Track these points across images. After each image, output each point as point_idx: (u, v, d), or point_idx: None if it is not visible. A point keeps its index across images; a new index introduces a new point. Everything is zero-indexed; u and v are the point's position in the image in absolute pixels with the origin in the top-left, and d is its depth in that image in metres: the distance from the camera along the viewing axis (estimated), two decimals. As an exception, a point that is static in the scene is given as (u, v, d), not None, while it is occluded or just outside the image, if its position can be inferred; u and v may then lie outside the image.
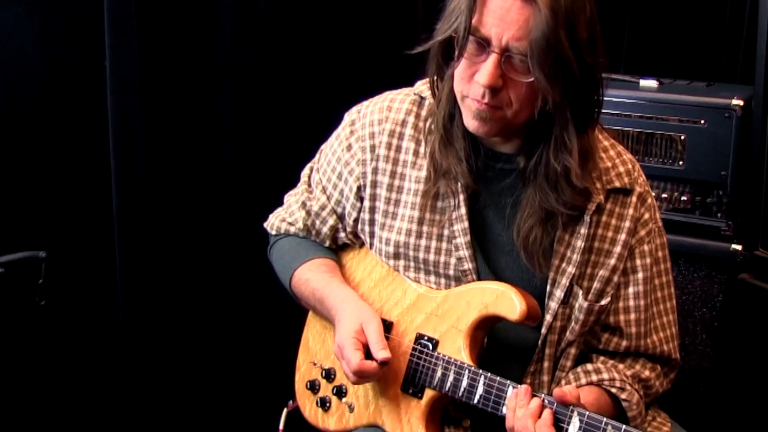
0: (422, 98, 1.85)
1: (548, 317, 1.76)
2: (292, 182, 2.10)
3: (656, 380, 1.84)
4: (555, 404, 1.60)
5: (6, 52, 2.43)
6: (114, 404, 2.70)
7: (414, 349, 1.80)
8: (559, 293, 1.75)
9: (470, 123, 1.68)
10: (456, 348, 1.75)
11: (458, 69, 1.65)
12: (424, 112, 1.83)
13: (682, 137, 2.52)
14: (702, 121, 2.49)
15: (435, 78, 1.75)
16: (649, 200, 1.82)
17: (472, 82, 1.64)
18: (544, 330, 1.76)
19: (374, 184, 1.85)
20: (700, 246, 2.53)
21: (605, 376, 1.77)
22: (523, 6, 1.55)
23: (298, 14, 2.79)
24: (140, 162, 2.53)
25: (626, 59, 3.21)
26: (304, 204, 1.99)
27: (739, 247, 2.48)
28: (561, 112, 1.62)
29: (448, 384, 1.73)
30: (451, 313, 1.77)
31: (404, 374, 1.80)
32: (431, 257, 1.81)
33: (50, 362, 2.60)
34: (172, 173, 2.65)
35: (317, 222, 1.97)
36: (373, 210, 1.87)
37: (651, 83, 2.66)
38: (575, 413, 1.58)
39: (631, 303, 1.80)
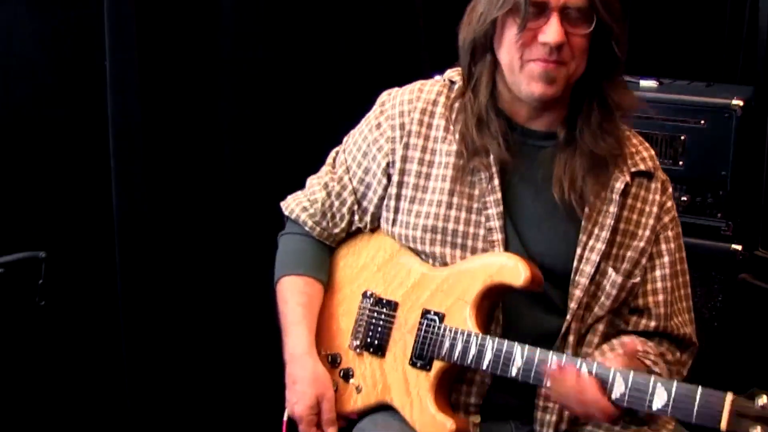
0: (452, 83, 1.90)
1: (578, 292, 1.79)
2: (293, 181, 2.10)
3: (675, 365, 1.89)
4: (594, 366, 1.62)
5: (6, 52, 2.43)
6: (114, 404, 2.70)
7: (420, 323, 1.82)
8: (588, 269, 1.79)
9: (535, 88, 1.73)
10: (462, 319, 1.77)
11: (518, 40, 1.72)
12: (452, 94, 1.89)
13: (682, 137, 2.52)
14: (702, 121, 2.49)
15: (470, 63, 1.82)
16: (669, 189, 1.91)
17: (533, 44, 1.72)
18: (573, 305, 1.79)
19: (404, 159, 1.88)
20: (700, 246, 2.52)
21: (639, 348, 1.80)
22: None
23: (299, 14, 2.79)
24: (140, 162, 2.53)
25: (626, 59, 3.20)
26: (326, 185, 2.00)
27: (739, 247, 2.48)
28: (622, 58, 1.79)
29: (457, 353, 1.75)
30: (456, 286, 1.80)
31: (411, 350, 1.83)
32: (461, 228, 1.83)
33: (50, 362, 2.60)
34: (172, 173, 2.65)
35: (336, 203, 1.99)
36: (401, 185, 1.89)
37: (651, 83, 2.66)
38: (617, 374, 1.60)
39: (659, 285, 1.86)
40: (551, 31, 1.69)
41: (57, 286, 2.25)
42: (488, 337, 1.74)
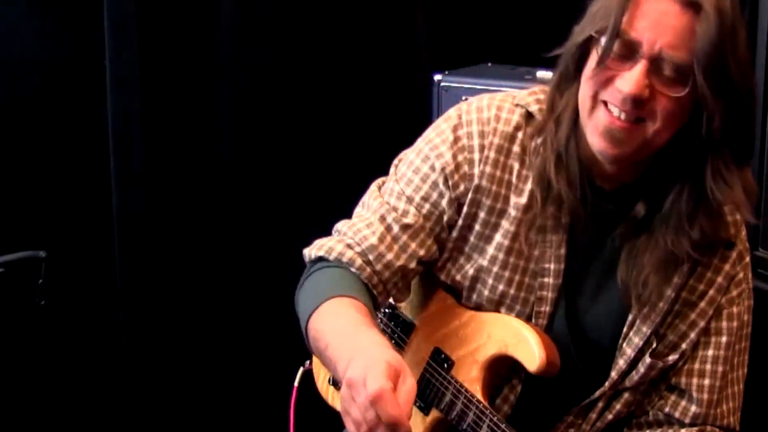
0: (530, 114, 1.63)
1: (622, 362, 1.62)
2: (293, 182, 2.09)
3: None
4: None
5: (6, 52, 2.44)
6: (114, 404, 2.70)
7: (429, 363, 1.72)
8: (637, 341, 1.61)
9: (596, 141, 1.49)
10: (470, 378, 1.67)
11: (595, 75, 1.47)
12: (531, 129, 1.62)
13: (682, 137, 2.51)
14: (702, 121, 2.48)
15: (555, 91, 1.57)
16: (747, 259, 1.66)
17: (611, 86, 1.46)
18: (615, 374, 1.63)
19: (473, 203, 1.63)
20: (700, 246, 2.52)
21: None
22: (682, 12, 1.40)
23: (298, 14, 2.79)
24: (140, 162, 2.53)
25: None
26: (383, 218, 1.64)
27: (739, 247, 2.47)
28: (716, 137, 1.46)
29: (455, 413, 1.65)
30: (472, 338, 1.68)
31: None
32: (511, 290, 1.64)
33: (50, 362, 2.60)
34: (172, 173, 2.66)
35: (403, 237, 1.63)
36: (463, 228, 1.65)
37: (651, 83, 2.65)
38: None
39: (708, 367, 1.65)
40: (629, 80, 1.42)
41: (57, 286, 2.25)
42: (488, 411, 1.59)
